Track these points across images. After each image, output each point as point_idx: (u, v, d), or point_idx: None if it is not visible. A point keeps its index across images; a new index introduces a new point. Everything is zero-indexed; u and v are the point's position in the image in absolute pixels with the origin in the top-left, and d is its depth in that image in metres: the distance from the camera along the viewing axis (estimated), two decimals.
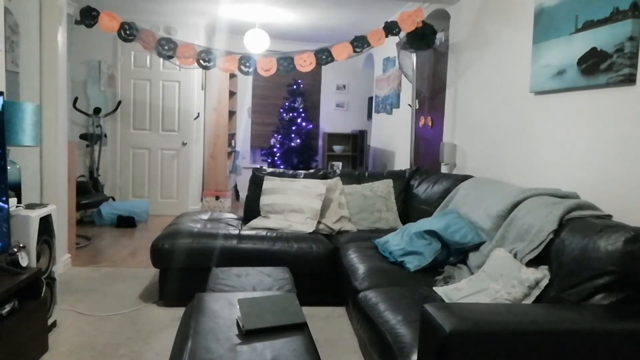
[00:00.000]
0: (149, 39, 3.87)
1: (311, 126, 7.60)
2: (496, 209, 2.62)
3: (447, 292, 2.34)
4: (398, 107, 5.79)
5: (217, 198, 6.42)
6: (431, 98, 4.92)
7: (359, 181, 4.02)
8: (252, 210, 3.92)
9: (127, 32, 3.79)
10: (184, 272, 3.23)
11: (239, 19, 6.11)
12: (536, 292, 2.03)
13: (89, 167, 5.92)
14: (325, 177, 4.05)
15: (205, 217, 3.91)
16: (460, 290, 2.31)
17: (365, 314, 2.28)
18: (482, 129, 3.67)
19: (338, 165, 7.88)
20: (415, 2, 4.48)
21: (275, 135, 7.53)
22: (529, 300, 2.03)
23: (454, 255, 2.80)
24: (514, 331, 1.56)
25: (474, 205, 2.91)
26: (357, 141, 7.93)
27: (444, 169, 4.37)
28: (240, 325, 1.90)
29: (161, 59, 5.60)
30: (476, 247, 2.71)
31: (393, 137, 6.02)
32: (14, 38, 3.44)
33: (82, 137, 5.87)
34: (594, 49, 2.33)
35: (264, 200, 3.80)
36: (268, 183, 3.85)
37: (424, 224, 2.94)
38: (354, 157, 8.00)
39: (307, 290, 3.18)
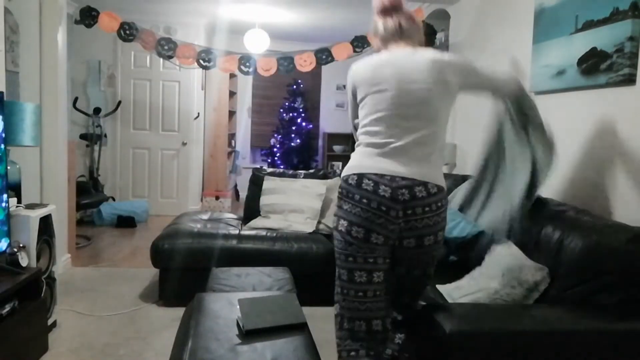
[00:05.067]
0: (149, 39, 3.87)
1: (311, 126, 7.60)
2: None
3: (449, 290, 2.34)
4: None
5: (217, 198, 6.42)
6: None
7: None
8: (252, 210, 3.92)
9: (127, 32, 3.80)
10: (184, 272, 3.23)
11: (239, 19, 6.11)
12: (535, 295, 2.03)
13: (89, 167, 5.92)
14: (325, 177, 4.05)
15: (205, 217, 3.91)
16: (461, 288, 2.31)
17: None
18: (482, 129, 3.66)
19: (338, 165, 7.88)
20: (415, 2, 4.48)
21: (275, 135, 7.53)
22: (527, 302, 2.03)
23: (454, 252, 2.80)
24: (514, 331, 1.56)
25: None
26: None
27: (444, 169, 4.37)
28: (240, 325, 1.90)
29: (161, 59, 5.60)
30: (476, 238, 2.71)
31: None
32: (14, 38, 3.44)
33: (82, 137, 5.87)
34: (594, 49, 2.33)
35: (264, 200, 3.80)
36: (268, 183, 3.85)
37: None
38: None
39: (307, 290, 3.17)
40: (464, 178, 3.40)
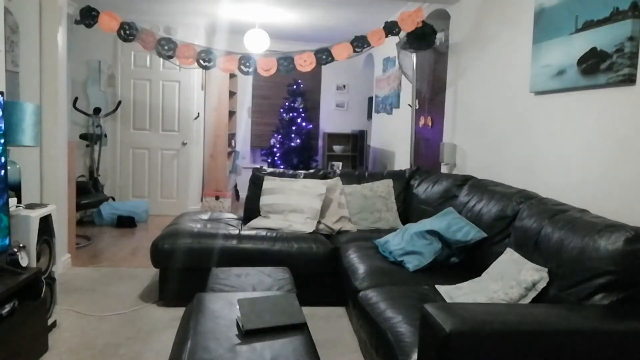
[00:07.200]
0: (149, 39, 3.87)
1: (311, 126, 7.60)
2: None
3: (449, 290, 2.34)
4: (398, 107, 5.79)
5: (217, 198, 6.41)
6: (431, 98, 4.92)
7: (359, 181, 4.02)
8: (252, 210, 3.92)
9: (127, 32, 3.79)
10: (184, 272, 3.23)
11: (239, 19, 6.11)
12: (532, 294, 2.03)
13: (89, 167, 5.92)
14: (325, 177, 4.05)
15: (205, 217, 3.91)
16: (460, 289, 2.31)
17: (366, 313, 2.28)
18: (482, 129, 3.67)
19: (338, 165, 7.88)
20: (415, 2, 4.48)
21: (275, 135, 7.53)
22: (525, 301, 2.04)
23: (457, 254, 2.80)
24: (514, 331, 1.56)
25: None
26: (357, 141, 7.93)
27: (444, 169, 4.37)
28: (240, 325, 1.90)
29: (161, 59, 5.60)
30: (479, 243, 2.71)
31: (393, 137, 6.02)
32: (14, 38, 3.44)
33: (82, 137, 5.87)
34: (594, 49, 2.33)
35: (264, 200, 3.80)
36: (268, 183, 3.85)
37: (425, 224, 2.94)
38: (354, 157, 7.99)
39: (307, 290, 3.18)
40: (464, 178, 3.40)
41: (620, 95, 2.23)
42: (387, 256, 2.92)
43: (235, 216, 4.08)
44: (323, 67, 7.70)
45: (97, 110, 5.91)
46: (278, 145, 7.45)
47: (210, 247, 3.23)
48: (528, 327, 1.57)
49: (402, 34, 4.09)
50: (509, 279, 2.12)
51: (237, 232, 3.40)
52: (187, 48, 3.93)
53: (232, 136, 7.41)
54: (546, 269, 2.06)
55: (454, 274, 2.69)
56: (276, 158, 7.41)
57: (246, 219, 3.92)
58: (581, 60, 2.42)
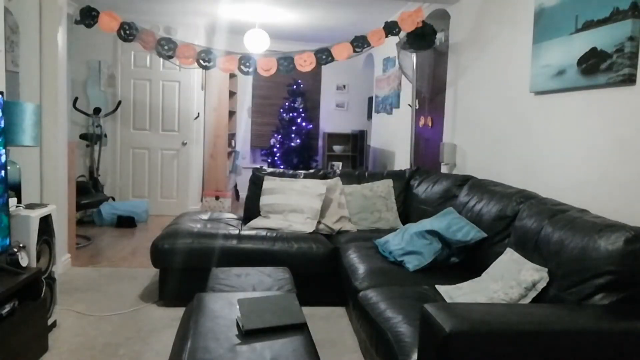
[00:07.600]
0: (148, 39, 3.87)
1: (311, 126, 7.60)
2: None
3: (449, 290, 2.34)
4: (398, 107, 5.79)
5: (217, 198, 6.41)
6: (431, 98, 4.92)
7: (359, 181, 4.02)
8: (252, 210, 3.92)
9: (127, 32, 3.79)
10: (184, 272, 3.23)
11: (239, 19, 6.11)
12: (532, 294, 2.03)
13: (89, 167, 5.92)
14: (325, 177, 4.05)
15: (205, 217, 3.91)
16: (461, 289, 2.31)
17: (366, 313, 2.28)
18: (482, 129, 3.67)
19: (338, 165, 7.88)
20: (415, 2, 4.48)
21: (275, 135, 7.53)
22: (525, 301, 2.04)
23: (457, 254, 2.80)
24: (514, 331, 1.56)
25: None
26: (357, 141, 7.93)
27: (444, 169, 4.37)
28: (240, 325, 1.90)
29: (161, 59, 5.60)
30: (479, 243, 2.71)
31: (393, 137, 6.01)
32: (14, 38, 3.44)
33: (82, 137, 5.87)
34: (594, 49, 2.33)
35: (264, 200, 3.80)
36: (268, 183, 3.85)
37: (425, 224, 2.94)
38: (354, 157, 7.99)
39: (307, 290, 3.18)
40: (464, 178, 3.40)
41: (620, 95, 2.23)
42: (387, 256, 2.92)
43: (235, 216, 4.08)
44: (323, 67, 7.69)
45: (97, 110, 5.91)
46: (278, 145, 7.45)
47: (210, 247, 3.23)
48: (528, 327, 1.57)
49: (402, 34, 4.09)
50: (509, 279, 2.12)
51: (237, 232, 3.40)
52: (187, 48, 3.93)
53: (232, 136, 7.41)
54: (546, 269, 2.06)
55: (454, 274, 2.69)
56: (276, 158, 7.41)
57: (246, 219, 3.92)
58: (581, 60, 2.42)
